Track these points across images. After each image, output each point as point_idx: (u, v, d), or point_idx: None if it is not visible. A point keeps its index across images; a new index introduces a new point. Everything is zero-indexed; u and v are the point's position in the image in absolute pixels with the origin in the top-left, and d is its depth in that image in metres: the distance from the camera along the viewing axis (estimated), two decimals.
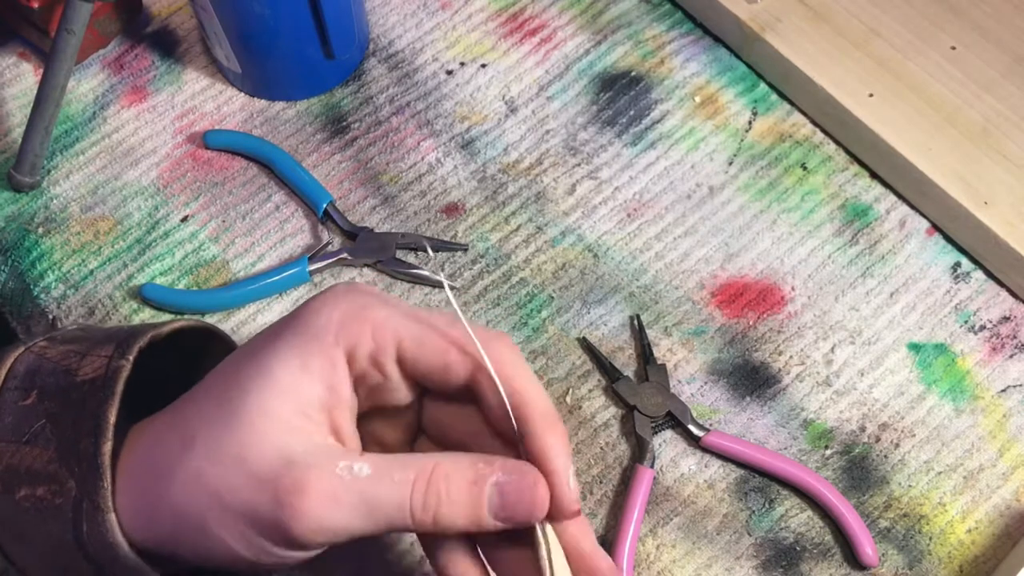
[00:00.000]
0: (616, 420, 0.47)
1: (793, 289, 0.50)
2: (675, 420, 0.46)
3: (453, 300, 0.32)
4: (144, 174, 0.53)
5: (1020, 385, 0.48)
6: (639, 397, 0.46)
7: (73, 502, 0.29)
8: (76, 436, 0.30)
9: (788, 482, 0.45)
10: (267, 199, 0.53)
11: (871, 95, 0.53)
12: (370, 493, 0.28)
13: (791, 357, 0.48)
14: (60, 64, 0.50)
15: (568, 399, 0.47)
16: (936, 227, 0.52)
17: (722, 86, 0.56)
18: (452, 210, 0.52)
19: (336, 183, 0.53)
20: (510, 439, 0.31)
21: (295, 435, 0.29)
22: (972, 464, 0.46)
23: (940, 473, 0.46)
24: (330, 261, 0.50)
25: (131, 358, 0.32)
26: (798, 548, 0.44)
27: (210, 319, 0.49)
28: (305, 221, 0.52)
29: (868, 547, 0.43)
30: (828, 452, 0.46)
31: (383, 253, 0.50)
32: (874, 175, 0.53)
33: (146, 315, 0.49)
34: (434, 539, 0.33)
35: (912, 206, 0.52)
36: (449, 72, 0.57)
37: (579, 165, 0.54)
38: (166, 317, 0.49)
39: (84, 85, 0.56)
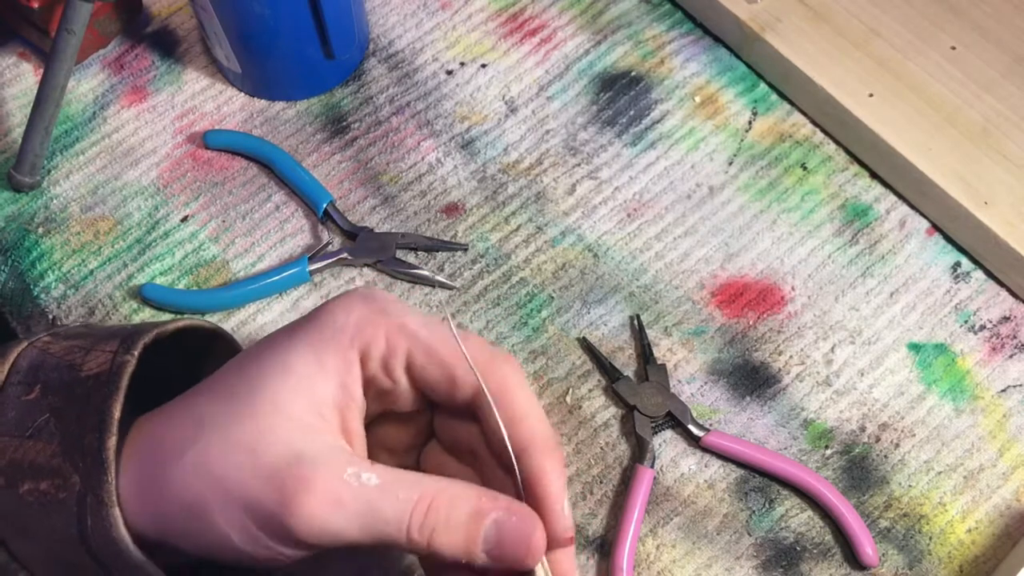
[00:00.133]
0: (616, 420, 0.47)
1: (793, 289, 0.50)
2: (675, 420, 0.46)
3: (453, 328, 0.32)
4: (144, 174, 0.53)
5: (1020, 385, 0.48)
6: (639, 397, 0.46)
7: (77, 496, 0.29)
8: (80, 431, 0.30)
9: (788, 482, 0.45)
10: (267, 199, 0.53)
11: (871, 95, 0.53)
12: (373, 504, 0.29)
13: (791, 357, 0.48)
14: (60, 64, 0.50)
15: (568, 399, 0.47)
16: (936, 227, 0.52)
17: (722, 86, 0.56)
18: (452, 210, 0.52)
19: (336, 183, 0.53)
20: (508, 462, 0.32)
21: (307, 432, 0.29)
22: (972, 464, 0.46)
23: (940, 473, 0.46)
24: (330, 261, 0.50)
25: (136, 354, 0.32)
26: (798, 548, 0.44)
27: (210, 319, 0.49)
28: (305, 221, 0.52)
29: (868, 547, 0.43)
30: (828, 452, 0.46)
31: (383, 253, 0.50)
32: (874, 175, 0.53)
33: (146, 315, 0.49)
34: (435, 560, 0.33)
35: (912, 206, 0.53)
36: (449, 72, 0.57)
37: (579, 165, 0.54)
38: (166, 317, 0.49)
39: (84, 85, 0.56)
